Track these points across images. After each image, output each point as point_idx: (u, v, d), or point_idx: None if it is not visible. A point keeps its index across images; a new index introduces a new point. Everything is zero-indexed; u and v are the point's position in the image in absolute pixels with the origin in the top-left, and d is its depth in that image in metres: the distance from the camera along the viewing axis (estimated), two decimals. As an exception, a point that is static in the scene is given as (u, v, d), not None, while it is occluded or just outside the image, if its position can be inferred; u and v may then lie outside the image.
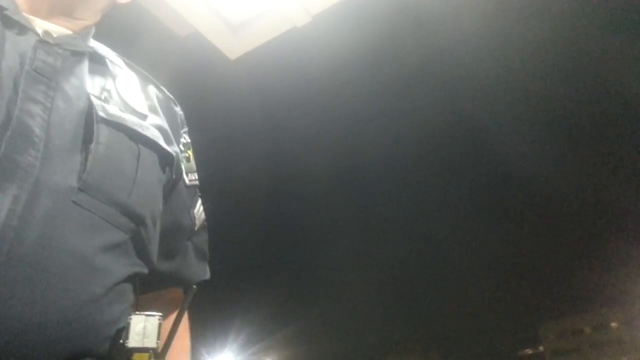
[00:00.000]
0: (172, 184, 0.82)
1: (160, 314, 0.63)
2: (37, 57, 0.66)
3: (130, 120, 0.73)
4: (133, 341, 0.60)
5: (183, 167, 0.86)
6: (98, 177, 0.65)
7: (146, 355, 0.60)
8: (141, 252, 0.71)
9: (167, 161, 0.79)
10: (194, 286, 0.85)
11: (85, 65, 0.73)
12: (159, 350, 0.62)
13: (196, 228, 0.89)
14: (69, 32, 0.75)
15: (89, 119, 0.67)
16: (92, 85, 0.72)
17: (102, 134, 0.67)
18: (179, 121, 0.89)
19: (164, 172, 0.78)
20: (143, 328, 0.61)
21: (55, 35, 0.71)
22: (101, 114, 0.68)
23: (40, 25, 0.71)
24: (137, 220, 0.69)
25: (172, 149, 0.80)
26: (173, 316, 0.81)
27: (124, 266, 0.67)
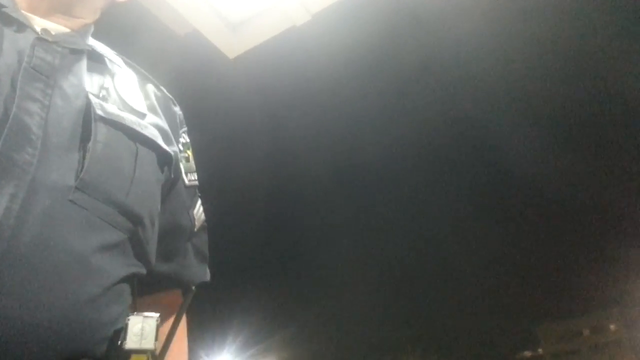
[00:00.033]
0: (171, 184, 0.82)
1: (158, 314, 0.62)
2: (35, 55, 0.65)
3: (129, 118, 0.72)
4: (131, 342, 0.60)
5: (182, 167, 0.85)
6: (96, 175, 0.64)
7: (144, 356, 0.60)
8: (139, 252, 0.70)
9: (166, 160, 0.78)
10: (193, 288, 0.84)
11: (84, 63, 0.73)
12: (157, 352, 0.62)
13: (196, 229, 0.88)
14: (68, 30, 0.75)
15: (87, 117, 0.67)
16: (91, 83, 0.72)
17: (100, 132, 0.67)
18: (178, 121, 0.89)
19: (162, 171, 0.77)
20: (141, 329, 0.60)
21: (54, 33, 0.71)
22: (99, 112, 0.68)
23: (39, 23, 0.71)
24: (135, 220, 0.69)
25: (170, 149, 0.79)
26: (172, 318, 0.81)
27: (121, 266, 0.66)
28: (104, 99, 0.72)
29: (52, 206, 0.59)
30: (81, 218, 0.61)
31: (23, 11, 0.70)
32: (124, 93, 0.77)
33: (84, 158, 0.64)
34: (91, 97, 0.69)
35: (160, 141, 0.76)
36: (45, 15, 0.73)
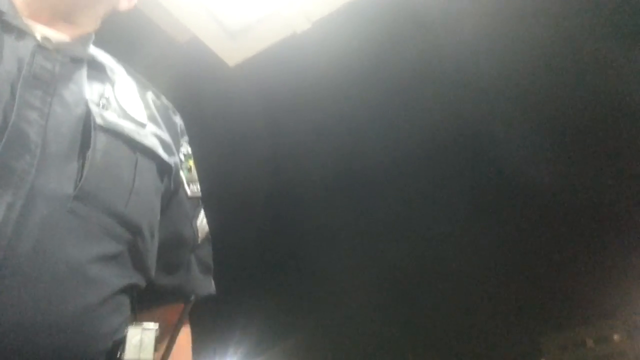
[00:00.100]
0: (171, 195, 0.81)
1: (157, 325, 0.62)
2: (35, 63, 0.65)
3: (129, 127, 0.72)
4: (129, 353, 0.60)
5: (184, 177, 0.84)
6: (95, 185, 0.64)
7: None
8: (138, 263, 0.70)
9: (165, 171, 0.77)
10: (192, 297, 0.83)
11: (84, 71, 0.72)
12: None
13: (199, 241, 0.86)
14: (69, 38, 0.74)
15: (87, 126, 0.66)
16: (91, 92, 0.71)
17: (100, 141, 0.66)
18: (179, 130, 0.88)
19: (161, 181, 0.77)
20: (140, 340, 0.60)
21: (54, 41, 0.70)
22: (99, 121, 0.67)
23: (40, 30, 0.71)
24: (134, 230, 0.68)
25: (171, 159, 0.79)
26: (176, 330, 0.79)
27: (119, 277, 0.65)
28: (104, 107, 0.71)
29: (50, 215, 0.58)
30: (79, 228, 0.61)
31: (24, 19, 0.70)
32: (124, 102, 0.76)
33: (83, 167, 0.63)
34: (91, 105, 0.68)
35: (160, 151, 0.76)
36: (46, 23, 0.73)
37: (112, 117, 0.70)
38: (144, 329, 0.61)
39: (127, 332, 0.60)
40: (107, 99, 0.73)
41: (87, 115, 0.67)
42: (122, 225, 0.66)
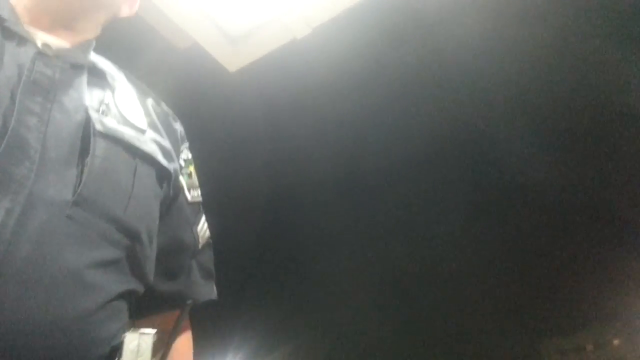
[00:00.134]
0: (171, 200, 0.81)
1: (155, 331, 0.62)
2: (35, 69, 0.65)
3: (128, 134, 0.72)
4: (127, 358, 0.60)
5: (184, 183, 0.84)
6: (94, 190, 0.64)
7: None
8: (136, 269, 0.70)
9: (165, 176, 0.78)
10: (188, 302, 0.83)
11: (84, 78, 0.73)
12: None
13: (200, 246, 0.87)
14: (69, 45, 0.75)
15: (86, 132, 0.66)
16: (91, 98, 0.72)
17: (99, 147, 0.67)
18: (179, 137, 0.88)
19: (161, 187, 0.77)
20: (137, 346, 0.60)
21: (54, 48, 0.71)
22: (98, 127, 0.68)
23: (41, 37, 0.71)
24: (133, 236, 0.68)
25: (170, 165, 0.79)
26: (178, 340, 0.79)
27: (117, 283, 0.65)
28: (104, 114, 0.71)
29: (49, 221, 0.58)
30: (78, 233, 0.61)
31: (25, 25, 0.70)
32: (124, 108, 0.76)
33: (82, 173, 0.64)
34: (91, 111, 0.69)
35: (159, 157, 0.76)
36: (46, 29, 0.73)
37: (111, 123, 0.71)
38: (142, 334, 0.61)
39: (124, 337, 0.60)
40: (107, 105, 0.73)
41: (87, 122, 0.67)
42: (121, 231, 0.66)
